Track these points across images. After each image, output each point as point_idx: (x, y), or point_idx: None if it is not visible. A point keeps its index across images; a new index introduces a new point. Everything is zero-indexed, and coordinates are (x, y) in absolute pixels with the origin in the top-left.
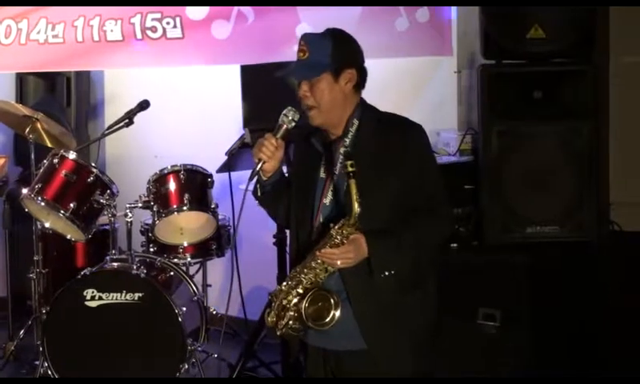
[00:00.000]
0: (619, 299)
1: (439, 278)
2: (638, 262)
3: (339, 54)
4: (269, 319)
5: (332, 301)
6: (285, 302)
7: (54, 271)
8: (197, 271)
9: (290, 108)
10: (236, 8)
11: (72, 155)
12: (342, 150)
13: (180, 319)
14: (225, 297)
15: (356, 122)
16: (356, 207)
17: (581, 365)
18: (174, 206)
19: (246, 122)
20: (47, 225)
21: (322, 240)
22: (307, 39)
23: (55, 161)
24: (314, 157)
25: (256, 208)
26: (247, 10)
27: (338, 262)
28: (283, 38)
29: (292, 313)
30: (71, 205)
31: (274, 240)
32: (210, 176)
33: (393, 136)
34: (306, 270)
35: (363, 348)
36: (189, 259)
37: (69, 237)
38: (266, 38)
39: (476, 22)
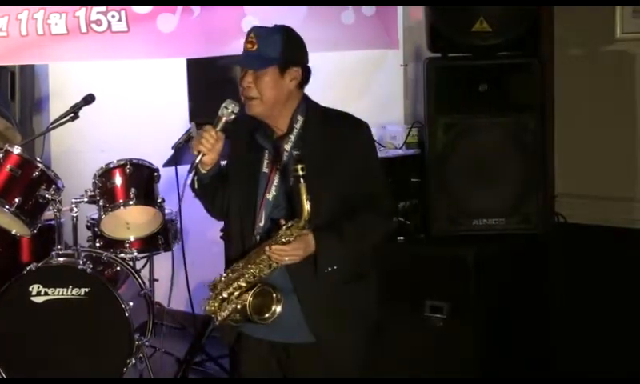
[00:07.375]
0: (564, 290)
1: (385, 271)
2: (583, 254)
3: (288, 50)
4: (207, 307)
5: (274, 296)
6: (226, 293)
7: None
8: (144, 266)
9: (229, 100)
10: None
11: (17, 150)
12: (287, 146)
13: (127, 314)
14: (172, 291)
15: (300, 118)
16: (306, 212)
17: (526, 357)
18: (120, 201)
19: (192, 116)
20: None
21: (269, 237)
22: (257, 32)
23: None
24: (256, 152)
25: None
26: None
27: (286, 258)
28: (229, 31)
29: (235, 305)
30: (16, 200)
31: (220, 234)
32: (157, 170)
33: (339, 133)
34: (249, 265)
35: (311, 341)
36: (135, 254)
37: (14, 232)
38: (212, 31)
39: (422, 15)
